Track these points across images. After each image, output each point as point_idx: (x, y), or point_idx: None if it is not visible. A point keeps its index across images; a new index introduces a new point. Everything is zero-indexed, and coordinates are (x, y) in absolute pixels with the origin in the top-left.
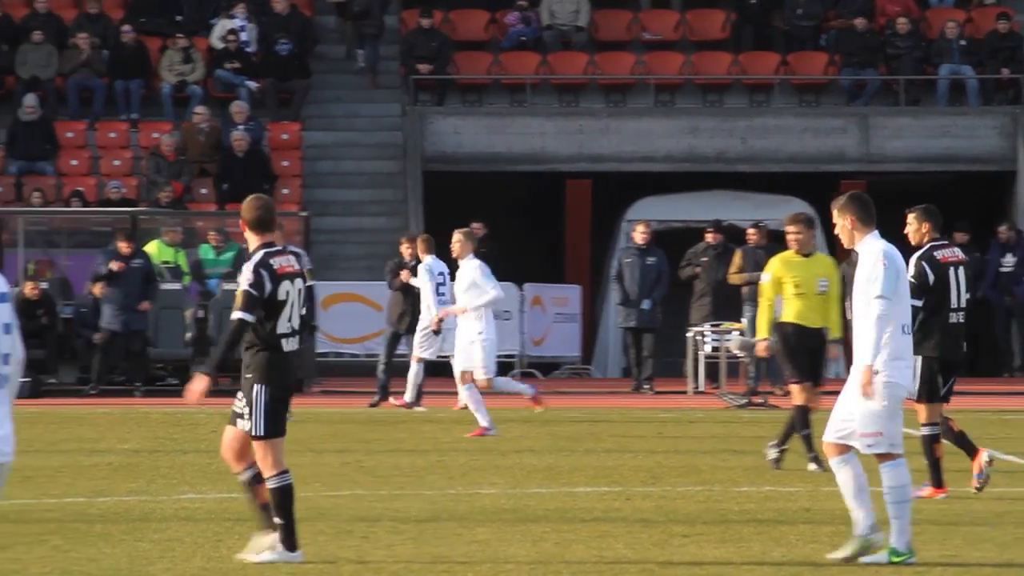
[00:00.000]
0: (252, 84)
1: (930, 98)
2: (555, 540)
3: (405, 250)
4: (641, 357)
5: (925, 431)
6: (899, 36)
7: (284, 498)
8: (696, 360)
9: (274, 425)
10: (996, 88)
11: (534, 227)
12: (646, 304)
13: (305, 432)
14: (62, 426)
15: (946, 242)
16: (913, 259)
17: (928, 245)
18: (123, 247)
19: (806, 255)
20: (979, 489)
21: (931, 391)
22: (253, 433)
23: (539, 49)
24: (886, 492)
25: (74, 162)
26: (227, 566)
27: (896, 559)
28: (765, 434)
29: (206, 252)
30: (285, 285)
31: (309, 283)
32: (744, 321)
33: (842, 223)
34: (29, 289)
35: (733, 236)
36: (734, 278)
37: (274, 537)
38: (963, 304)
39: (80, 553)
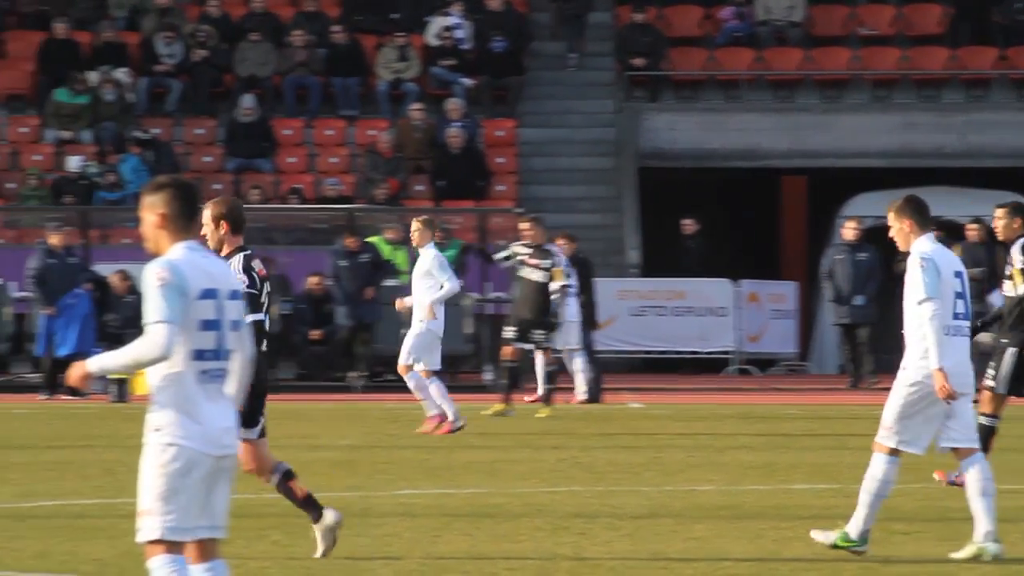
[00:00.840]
0: (467, 81)
1: None
2: (773, 537)
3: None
4: (856, 353)
5: (985, 421)
6: None
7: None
8: None
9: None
10: None
11: (750, 223)
12: (859, 300)
13: (521, 428)
14: (281, 422)
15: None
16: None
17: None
18: (350, 243)
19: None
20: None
21: (1018, 384)
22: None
23: (754, 44)
24: (867, 479)
25: (292, 159)
26: (446, 562)
27: (843, 544)
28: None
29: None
30: (266, 287)
31: (562, 283)
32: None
33: (899, 226)
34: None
35: (951, 232)
36: None
37: (327, 522)
38: None
39: (300, 548)
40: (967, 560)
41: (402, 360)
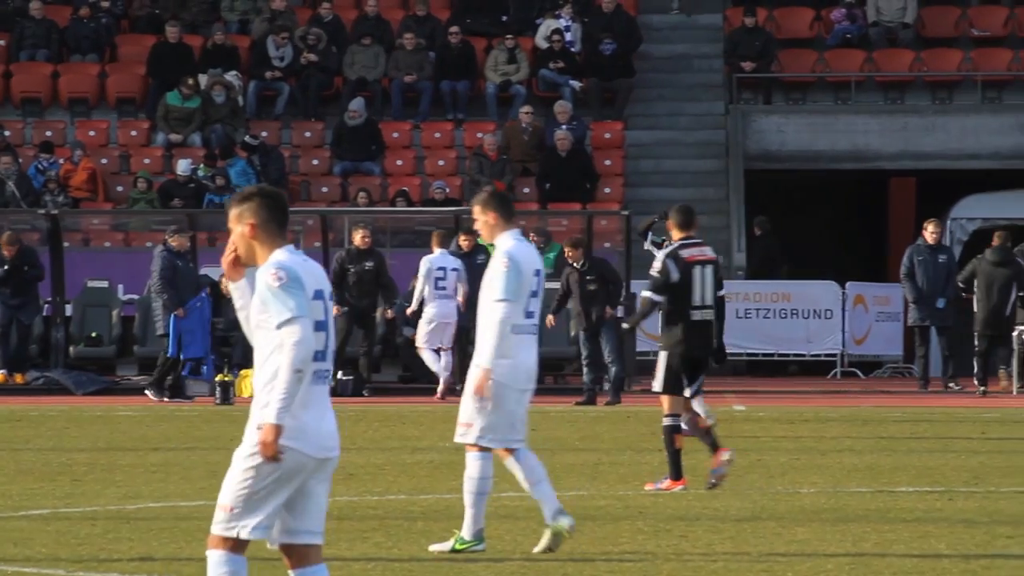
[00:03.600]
0: (576, 83)
1: None
2: (875, 540)
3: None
4: (928, 355)
5: (666, 421)
6: None
7: None
8: (1022, 359)
9: None
10: None
11: (858, 226)
12: (940, 302)
13: (624, 431)
14: (384, 424)
15: (698, 241)
16: (660, 256)
17: (677, 244)
18: (464, 243)
19: None
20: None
21: (673, 384)
22: None
23: (864, 46)
24: (466, 480)
25: (399, 162)
26: (546, 564)
27: (461, 547)
28: None
29: None
30: None
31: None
32: None
33: (483, 219)
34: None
35: None
36: None
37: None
38: (708, 302)
39: (402, 551)
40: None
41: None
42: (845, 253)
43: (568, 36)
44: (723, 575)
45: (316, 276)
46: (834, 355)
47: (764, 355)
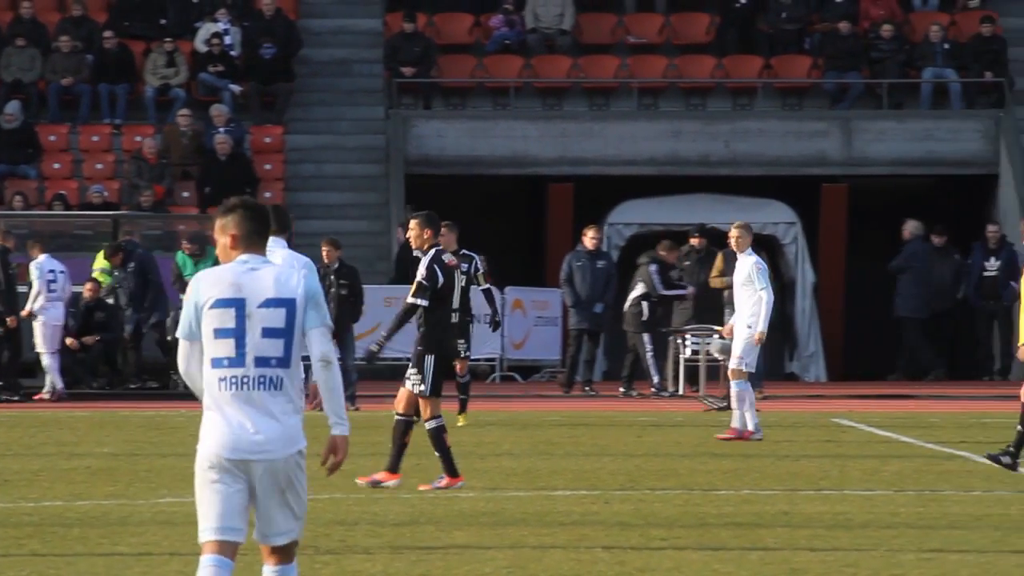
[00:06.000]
0: (235, 88)
1: (913, 101)
2: (534, 543)
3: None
4: (578, 359)
5: (432, 424)
6: (883, 40)
7: None
8: (677, 363)
9: None
10: (979, 91)
11: (516, 231)
12: (598, 307)
13: None
14: (41, 430)
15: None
16: (425, 261)
17: (436, 249)
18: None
19: None
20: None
21: (435, 387)
22: None
23: (523, 52)
24: None
25: (56, 165)
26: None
27: None
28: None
29: (182, 260)
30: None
31: (485, 286)
32: (727, 324)
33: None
34: None
35: (715, 240)
36: (716, 282)
37: None
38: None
39: (57, 558)
40: None
41: (732, 364)
42: (504, 258)
43: (227, 40)
44: None
45: (229, 284)
46: (493, 359)
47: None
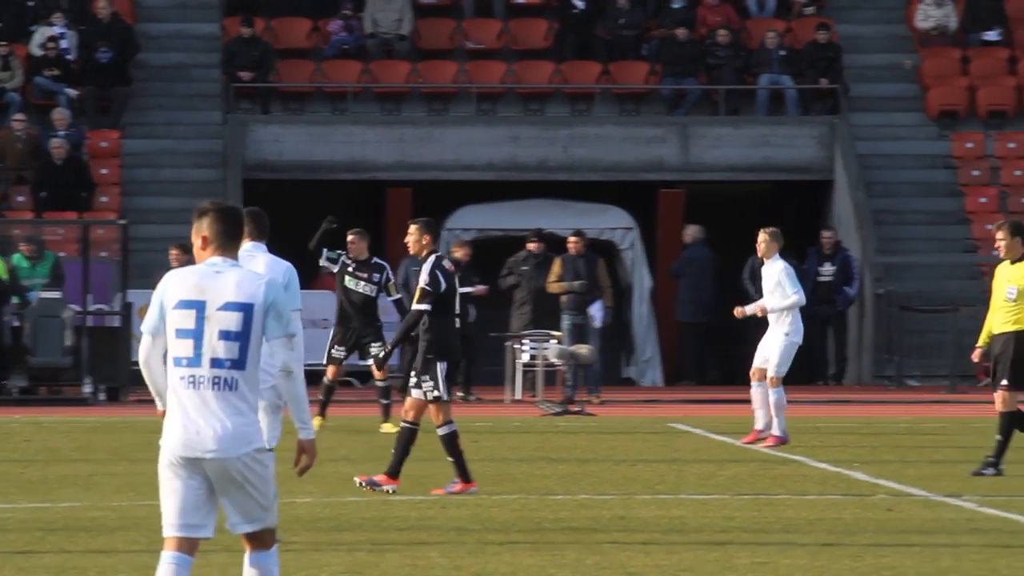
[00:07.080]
0: (71, 92)
1: (749, 108)
2: (369, 548)
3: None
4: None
5: (445, 429)
6: (719, 46)
7: None
8: (514, 369)
9: None
10: (815, 98)
11: None
12: None
13: (120, 441)
14: None
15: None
16: (427, 267)
17: (436, 255)
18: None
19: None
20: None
21: (448, 391)
22: None
23: (361, 57)
24: None
25: None
26: None
27: None
28: (581, 443)
29: (19, 261)
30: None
31: (397, 296)
32: (563, 329)
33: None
34: None
35: (553, 245)
36: (553, 287)
37: None
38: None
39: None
40: None
41: (757, 363)
42: None
43: (63, 43)
44: None
45: (193, 286)
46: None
47: None
